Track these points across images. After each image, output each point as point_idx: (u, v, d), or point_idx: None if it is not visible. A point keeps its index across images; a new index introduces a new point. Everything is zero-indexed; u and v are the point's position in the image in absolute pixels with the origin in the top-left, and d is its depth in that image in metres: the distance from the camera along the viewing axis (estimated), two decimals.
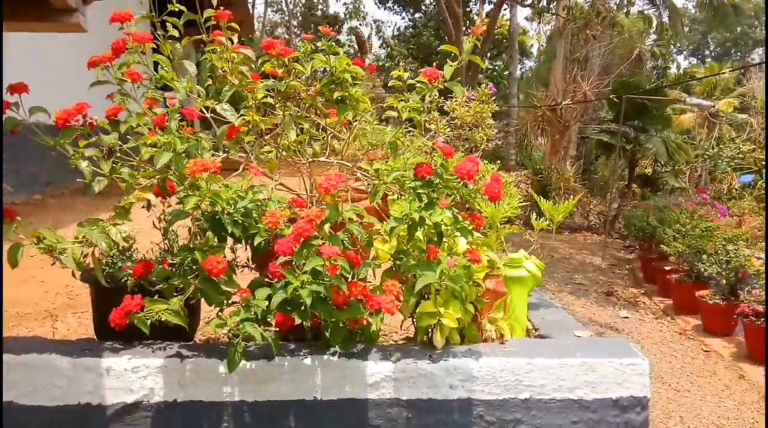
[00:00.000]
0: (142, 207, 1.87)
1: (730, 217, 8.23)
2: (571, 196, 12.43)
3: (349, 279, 1.65)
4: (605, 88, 12.40)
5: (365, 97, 1.81)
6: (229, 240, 1.81)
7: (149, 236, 2.17)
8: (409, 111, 1.77)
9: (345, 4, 22.83)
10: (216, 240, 1.71)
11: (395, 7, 21.50)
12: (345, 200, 1.73)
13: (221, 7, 1.85)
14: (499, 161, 3.84)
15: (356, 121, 1.84)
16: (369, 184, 1.84)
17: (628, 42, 15.60)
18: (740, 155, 10.25)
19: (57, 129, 1.67)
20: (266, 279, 1.72)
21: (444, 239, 1.71)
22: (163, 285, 1.71)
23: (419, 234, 1.71)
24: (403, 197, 1.69)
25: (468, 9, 16.68)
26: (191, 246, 1.71)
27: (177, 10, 1.86)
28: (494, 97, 4.60)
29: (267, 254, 1.70)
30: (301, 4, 24.06)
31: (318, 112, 1.89)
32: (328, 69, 1.73)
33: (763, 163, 9.66)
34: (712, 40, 34.59)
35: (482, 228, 1.91)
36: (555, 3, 11.75)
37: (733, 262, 5.47)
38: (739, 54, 33.54)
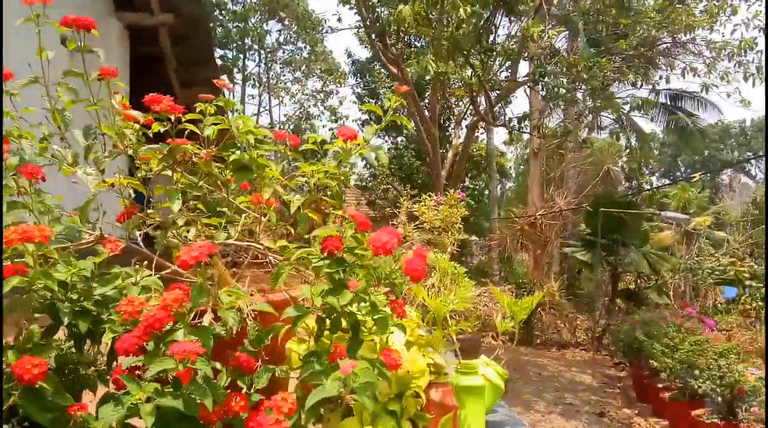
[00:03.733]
0: None
1: (719, 332, 7.97)
2: (559, 313, 12.04)
3: (245, 391, 1.25)
4: (580, 204, 12.63)
5: (270, 163, 1.50)
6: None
7: None
8: (321, 176, 1.48)
9: (331, 129, 23.86)
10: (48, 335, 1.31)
11: (379, 132, 22.50)
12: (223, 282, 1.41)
13: None
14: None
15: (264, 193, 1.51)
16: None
17: (601, 161, 16.25)
18: (720, 267, 10.16)
19: None
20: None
21: (372, 335, 1.40)
22: None
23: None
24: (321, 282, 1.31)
25: (447, 133, 17.50)
26: (13, 344, 1.27)
27: None
28: (462, 201, 4.54)
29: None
30: (289, 130, 25.19)
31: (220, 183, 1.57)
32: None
33: (745, 275, 9.52)
34: (682, 163, 36.34)
35: (430, 325, 1.60)
36: (528, 123, 12.27)
37: (727, 378, 5.12)
38: (708, 175, 35.02)
